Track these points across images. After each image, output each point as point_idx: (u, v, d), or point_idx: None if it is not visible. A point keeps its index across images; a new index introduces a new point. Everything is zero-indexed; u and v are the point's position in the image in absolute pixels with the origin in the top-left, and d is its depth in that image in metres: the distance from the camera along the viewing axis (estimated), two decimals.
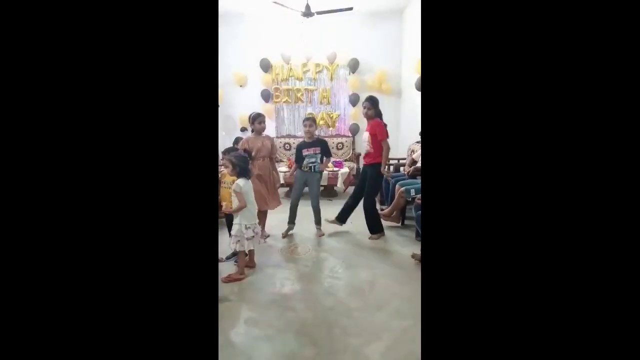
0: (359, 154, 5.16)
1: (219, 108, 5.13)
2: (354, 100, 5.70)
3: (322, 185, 3.64)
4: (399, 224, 3.48)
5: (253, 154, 2.96)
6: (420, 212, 2.68)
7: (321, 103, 5.82)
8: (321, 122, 5.80)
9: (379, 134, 2.98)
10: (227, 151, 2.62)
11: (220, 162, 2.72)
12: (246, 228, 2.39)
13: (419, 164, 3.58)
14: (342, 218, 3.38)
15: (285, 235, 3.21)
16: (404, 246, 2.97)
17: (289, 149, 5.43)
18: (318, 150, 3.17)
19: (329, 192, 4.75)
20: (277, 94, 5.77)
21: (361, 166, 3.38)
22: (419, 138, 4.01)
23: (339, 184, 4.53)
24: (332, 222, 3.39)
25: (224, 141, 5.03)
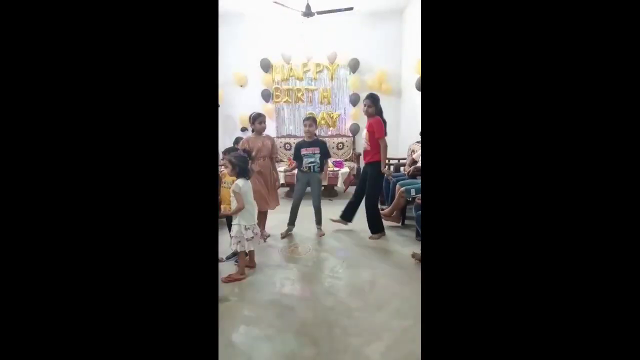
0: (359, 154, 5.16)
1: (219, 108, 5.13)
2: (354, 100, 5.70)
3: (322, 185, 3.63)
4: (399, 224, 3.48)
5: (253, 154, 2.96)
6: (420, 212, 2.68)
7: (321, 103, 5.82)
8: (321, 122, 5.80)
9: (377, 132, 2.98)
10: (227, 151, 2.62)
11: (221, 162, 2.72)
12: (246, 229, 2.39)
13: (419, 164, 3.58)
14: (346, 217, 3.39)
15: (285, 235, 3.21)
16: (404, 246, 2.97)
17: (290, 149, 5.42)
18: (317, 150, 3.16)
19: (329, 192, 4.75)
20: (277, 93, 5.77)
21: (361, 166, 3.38)
22: (419, 138, 4.01)
23: (339, 184, 4.53)
24: (336, 221, 3.39)
25: (224, 141, 5.04)
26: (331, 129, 5.88)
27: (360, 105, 4.43)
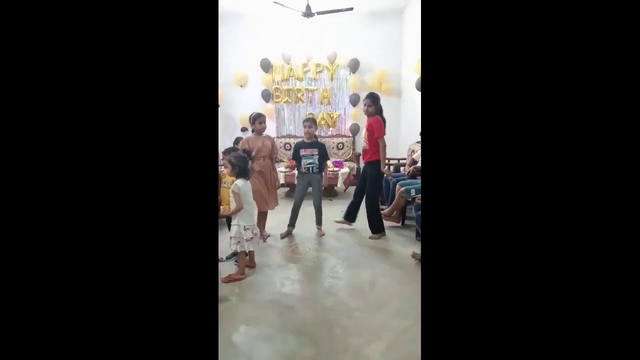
0: (359, 154, 5.16)
1: (219, 108, 5.13)
2: (354, 100, 5.70)
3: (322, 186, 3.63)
4: (399, 224, 3.48)
5: (253, 154, 2.96)
6: (420, 212, 2.68)
7: (321, 103, 5.82)
8: (322, 122, 5.80)
9: (377, 131, 2.98)
10: (227, 151, 2.62)
11: (221, 162, 2.72)
12: (245, 229, 2.38)
13: (419, 164, 3.58)
14: (350, 218, 3.40)
15: (285, 236, 3.21)
16: (405, 246, 2.97)
17: (290, 149, 5.42)
18: (315, 152, 3.15)
19: (329, 192, 4.75)
20: (277, 94, 5.77)
21: (362, 166, 3.38)
22: (419, 138, 4.01)
23: (339, 184, 4.53)
24: (340, 222, 3.40)
25: (224, 141, 5.04)
26: (331, 129, 5.88)
27: (360, 106, 4.43)
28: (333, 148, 5.63)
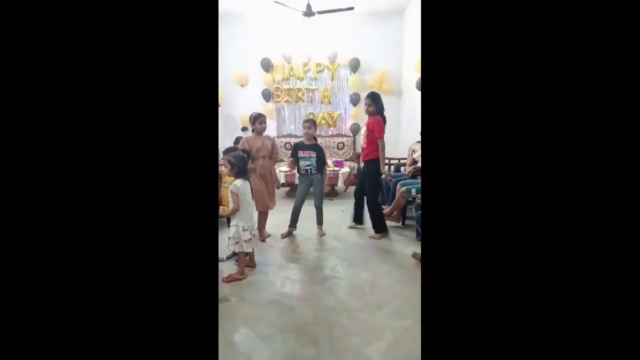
0: (360, 154, 5.16)
1: (220, 108, 5.13)
2: (354, 99, 5.70)
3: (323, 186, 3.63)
4: (400, 224, 3.48)
5: (253, 152, 2.96)
6: (420, 212, 2.68)
7: (322, 102, 5.82)
8: (322, 122, 5.80)
9: (377, 132, 2.98)
10: (227, 151, 2.62)
11: (221, 161, 2.72)
12: (243, 230, 2.38)
13: (419, 164, 3.58)
14: (359, 220, 3.41)
15: (285, 236, 3.21)
16: (405, 246, 2.97)
17: (290, 149, 5.43)
18: (314, 154, 3.13)
19: (330, 191, 4.75)
20: (278, 93, 5.77)
21: (362, 165, 3.39)
22: (419, 138, 4.00)
23: (340, 184, 4.53)
24: (352, 227, 3.43)
25: (224, 141, 5.04)
26: (332, 128, 5.88)
27: (361, 105, 4.43)
28: (333, 148, 5.63)
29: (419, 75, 4.36)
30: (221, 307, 1.99)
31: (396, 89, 5.68)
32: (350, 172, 4.72)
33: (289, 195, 4.66)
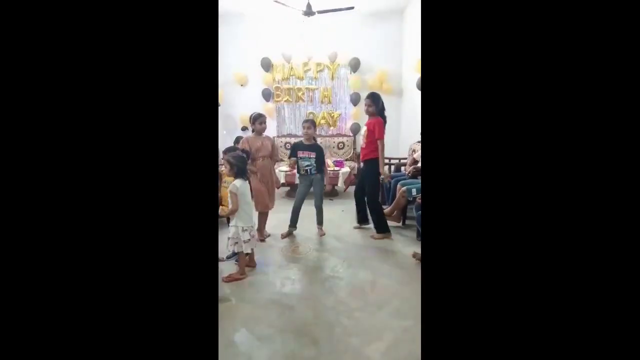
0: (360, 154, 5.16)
1: (220, 108, 5.13)
2: (355, 99, 5.70)
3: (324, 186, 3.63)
4: (400, 224, 3.48)
5: (253, 152, 2.96)
6: (420, 211, 2.68)
7: (322, 102, 5.82)
8: (322, 122, 5.80)
9: (377, 133, 2.98)
10: (227, 150, 2.62)
11: (221, 161, 2.72)
12: (242, 230, 2.38)
13: (419, 164, 3.58)
14: (363, 220, 3.41)
15: (286, 236, 3.21)
16: (405, 246, 2.97)
17: (290, 148, 5.43)
18: (313, 155, 3.13)
19: (330, 191, 4.75)
20: (278, 93, 5.77)
21: (361, 165, 3.39)
22: (420, 138, 4.00)
23: (340, 184, 4.53)
24: (357, 228, 3.42)
25: (225, 140, 5.04)
26: (332, 128, 5.87)
27: (361, 105, 4.42)
28: (334, 147, 5.62)
29: (419, 75, 4.36)
30: (221, 307, 1.99)
31: (396, 89, 5.67)
32: (350, 171, 4.72)
33: (289, 195, 4.66)
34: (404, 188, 3.23)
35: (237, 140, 3.99)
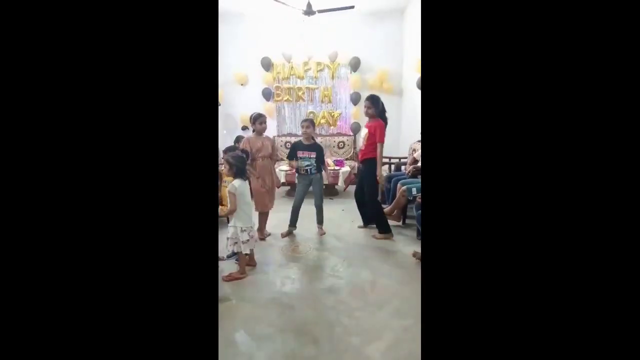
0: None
1: (220, 107, 5.13)
2: (355, 98, 5.70)
3: (323, 184, 3.63)
4: (400, 223, 3.48)
5: (253, 152, 2.97)
6: (420, 211, 2.68)
7: (322, 102, 5.82)
8: (322, 121, 5.80)
9: (378, 137, 2.98)
10: (228, 150, 2.62)
11: (221, 161, 2.72)
12: (241, 231, 2.38)
13: (419, 163, 3.58)
14: (367, 220, 3.40)
15: (286, 235, 3.21)
16: (405, 245, 2.97)
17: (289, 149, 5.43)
18: (313, 155, 3.14)
19: (330, 191, 4.75)
20: (278, 92, 5.77)
21: (360, 165, 3.39)
22: (420, 137, 4.00)
23: (340, 183, 4.53)
24: (361, 227, 3.43)
25: (225, 140, 5.04)
26: (332, 127, 5.87)
27: (362, 105, 4.42)
28: (334, 147, 5.63)
29: (419, 74, 4.36)
30: (221, 307, 1.99)
31: (397, 89, 5.67)
32: (350, 171, 4.72)
33: (289, 194, 4.66)
34: (404, 187, 3.23)
35: (238, 139, 3.99)
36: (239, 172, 2.39)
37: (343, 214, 3.83)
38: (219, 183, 2.92)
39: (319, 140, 3.75)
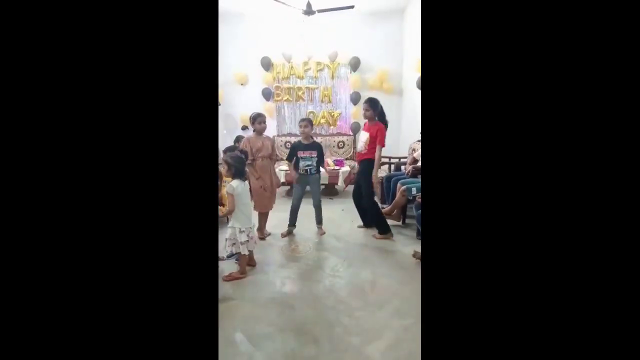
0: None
1: (220, 107, 5.12)
2: (355, 98, 5.70)
3: (322, 184, 3.63)
4: (400, 223, 3.48)
5: (253, 151, 2.96)
6: (420, 210, 2.68)
7: (322, 101, 5.82)
8: (322, 121, 5.80)
9: (379, 141, 2.98)
10: (228, 150, 2.62)
11: (221, 161, 2.72)
12: (240, 232, 2.38)
13: (419, 163, 3.58)
14: (367, 222, 3.39)
15: (286, 235, 3.21)
16: (405, 245, 2.97)
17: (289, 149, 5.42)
18: (314, 154, 3.14)
19: (330, 190, 4.75)
20: (278, 92, 5.77)
21: (357, 165, 3.39)
22: (420, 137, 4.00)
23: (340, 183, 4.53)
24: (361, 227, 3.42)
25: (225, 140, 5.04)
26: (332, 127, 5.87)
27: (362, 104, 4.42)
28: (334, 147, 5.62)
29: (419, 74, 4.35)
30: (221, 306, 2.00)
31: (397, 88, 5.67)
32: (350, 170, 4.72)
33: (289, 194, 4.66)
34: (404, 187, 3.23)
35: (238, 139, 3.99)
36: (238, 172, 2.39)
37: (343, 214, 3.83)
38: (219, 183, 2.91)
39: (318, 139, 3.75)
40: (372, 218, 3.23)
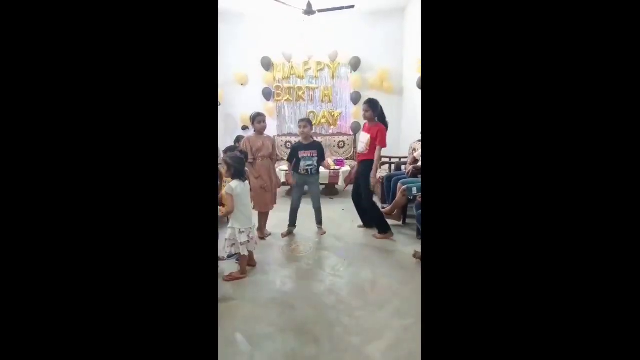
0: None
1: (220, 107, 5.12)
2: (355, 98, 5.69)
3: (323, 184, 3.63)
4: (400, 223, 3.48)
5: (254, 150, 2.96)
6: (421, 210, 2.68)
7: (322, 101, 5.81)
8: (322, 121, 5.79)
9: (380, 142, 2.98)
10: (228, 150, 2.62)
11: (220, 161, 2.72)
12: (240, 232, 2.37)
13: (420, 163, 3.57)
14: (367, 222, 3.39)
15: (286, 235, 3.21)
16: (406, 245, 2.97)
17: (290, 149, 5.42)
18: (315, 153, 3.14)
19: (330, 190, 4.75)
20: (278, 92, 5.77)
21: (357, 165, 3.39)
22: (420, 136, 3.99)
23: (340, 182, 4.53)
24: (361, 227, 3.42)
25: (225, 140, 5.04)
26: (332, 127, 5.87)
27: (362, 104, 4.42)
28: (334, 147, 5.62)
29: (419, 74, 4.35)
30: (221, 306, 1.99)
31: (397, 88, 5.66)
32: (350, 170, 4.72)
33: (289, 194, 4.66)
34: (404, 187, 3.22)
35: (238, 139, 3.99)
36: (237, 173, 2.38)
37: (343, 214, 3.83)
38: (219, 183, 2.91)
39: (318, 139, 3.75)
40: (372, 219, 3.23)
